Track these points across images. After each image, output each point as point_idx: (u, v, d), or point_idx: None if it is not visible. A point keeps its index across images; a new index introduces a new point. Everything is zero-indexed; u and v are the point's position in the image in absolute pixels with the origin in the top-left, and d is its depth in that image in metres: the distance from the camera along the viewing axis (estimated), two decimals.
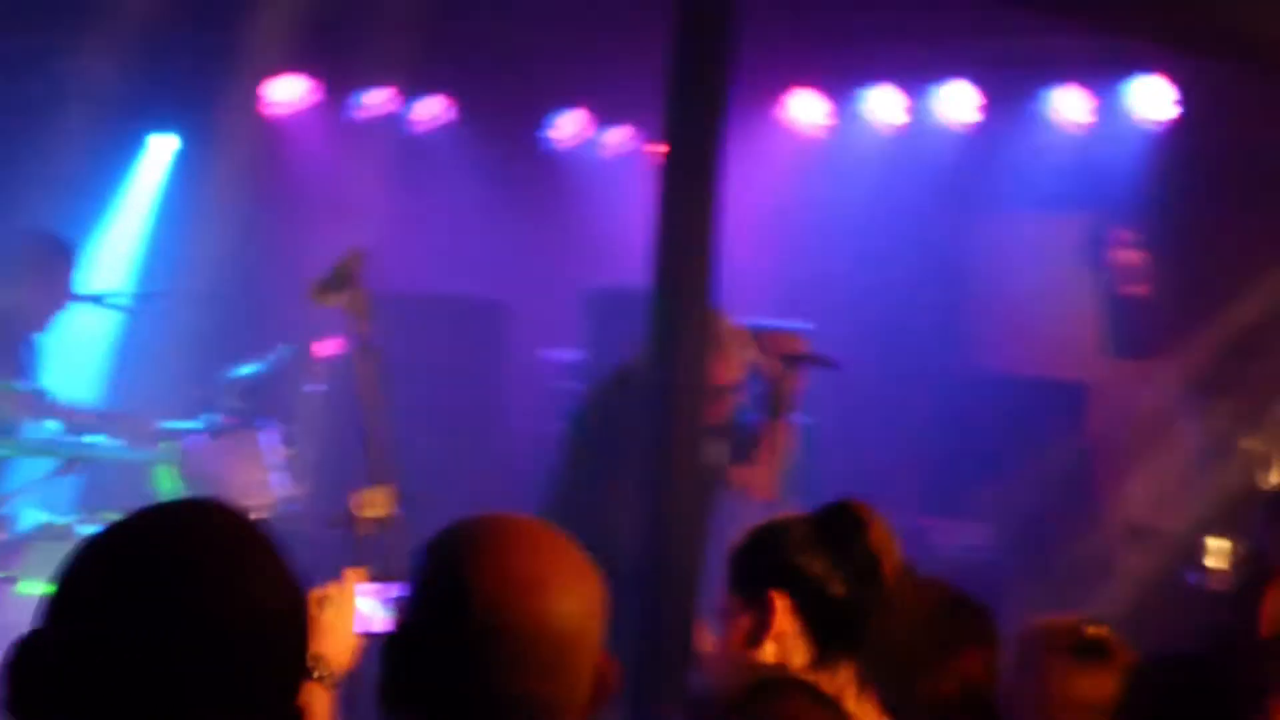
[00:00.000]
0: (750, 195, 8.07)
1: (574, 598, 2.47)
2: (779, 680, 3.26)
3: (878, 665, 3.34)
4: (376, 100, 9.15)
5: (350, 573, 3.57)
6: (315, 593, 3.42)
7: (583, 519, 4.42)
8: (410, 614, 2.49)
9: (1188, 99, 8.62)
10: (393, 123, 9.28)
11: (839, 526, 3.40)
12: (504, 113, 9.38)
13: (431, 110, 9.43)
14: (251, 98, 8.74)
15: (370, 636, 3.45)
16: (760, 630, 3.34)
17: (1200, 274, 8.87)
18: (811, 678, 3.28)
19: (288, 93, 9.01)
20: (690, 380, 5.19)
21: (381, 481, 5.06)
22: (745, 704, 3.24)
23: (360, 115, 9.16)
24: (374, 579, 3.61)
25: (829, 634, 3.34)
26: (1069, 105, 8.91)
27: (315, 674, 3.29)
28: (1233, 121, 8.42)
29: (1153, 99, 8.71)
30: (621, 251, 6.68)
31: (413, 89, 9.24)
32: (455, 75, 9.12)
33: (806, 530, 3.41)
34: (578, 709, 2.49)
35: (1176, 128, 8.67)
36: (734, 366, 6.26)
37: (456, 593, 2.44)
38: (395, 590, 3.18)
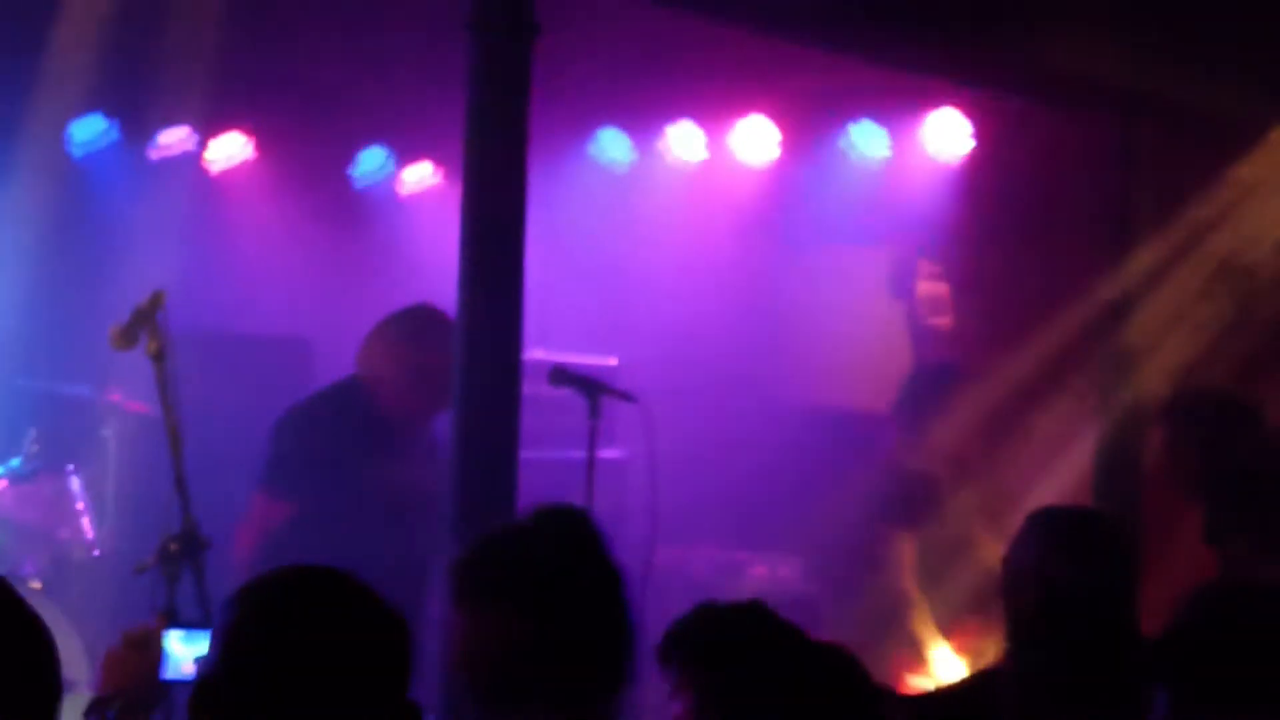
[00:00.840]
0: (558, 231, 8.09)
1: (372, 646, 2.47)
2: None
3: None
4: (174, 139, 9.04)
5: (160, 617, 3.53)
6: (126, 634, 3.39)
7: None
8: (215, 662, 2.47)
9: (982, 133, 8.76)
10: (192, 161, 9.17)
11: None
12: (305, 150, 9.31)
13: (231, 148, 9.34)
14: (57, 138, 8.61)
15: (178, 682, 3.41)
16: None
17: (999, 304, 9.01)
18: None
19: (88, 132, 8.88)
20: (500, 413, 5.18)
21: (188, 524, 5.01)
22: None
23: (158, 155, 9.04)
24: (183, 624, 3.57)
25: None
26: (867, 140, 9.02)
27: (118, 714, 3.25)
28: (1025, 154, 8.57)
29: (948, 133, 8.85)
30: (428, 288, 6.66)
31: (211, 127, 9.14)
32: (254, 113, 9.04)
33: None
34: None
35: (972, 161, 8.81)
36: None
37: (258, 644, 2.43)
38: (205, 636, 3.14)
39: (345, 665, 2.45)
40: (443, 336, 6.48)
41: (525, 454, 5.37)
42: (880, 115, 8.96)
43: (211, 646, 2.49)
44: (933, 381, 7.91)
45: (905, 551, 7.59)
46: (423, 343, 6.65)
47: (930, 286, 9.50)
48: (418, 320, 6.77)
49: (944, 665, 7.25)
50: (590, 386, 6.20)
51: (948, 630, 7.38)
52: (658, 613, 6.61)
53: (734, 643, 3.57)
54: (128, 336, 5.16)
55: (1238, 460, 6.62)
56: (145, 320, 5.15)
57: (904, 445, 7.83)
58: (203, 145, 9.23)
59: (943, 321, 9.46)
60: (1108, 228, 7.94)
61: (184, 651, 3.50)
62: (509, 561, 3.49)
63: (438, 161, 9.61)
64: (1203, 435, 6.81)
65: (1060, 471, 8.23)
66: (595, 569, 3.54)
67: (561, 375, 6.22)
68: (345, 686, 2.44)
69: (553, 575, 3.46)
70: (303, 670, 2.43)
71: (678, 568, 7.67)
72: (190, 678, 3.02)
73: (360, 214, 9.64)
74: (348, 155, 9.69)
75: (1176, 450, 6.94)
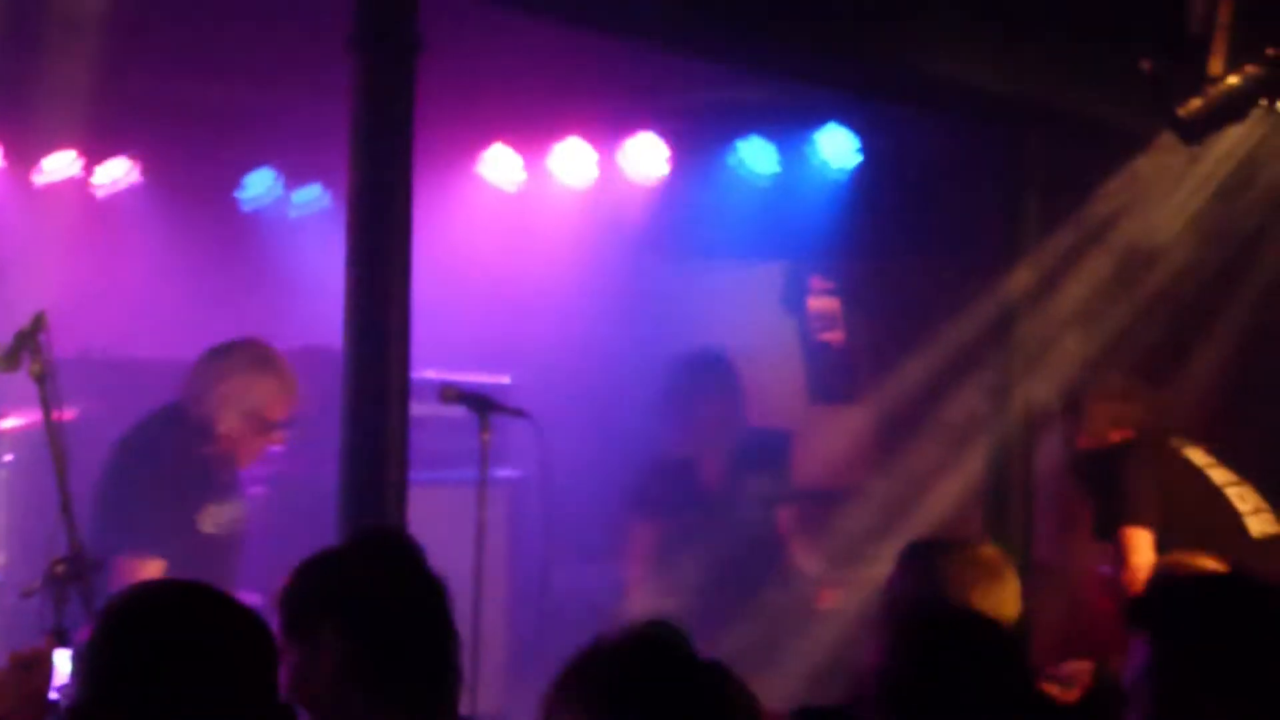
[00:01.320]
0: (448, 250, 8.07)
1: (238, 650, 2.46)
2: None
3: None
4: (59, 164, 8.95)
5: (49, 638, 3.52)
6: (14, 655, 3.37)
7: None
8: (79, 683, 2.46)
9: (870, 146, 8.81)
10: (77, 186, 9.08)
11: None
12: (193, 173, 9.24)
13: (116, 172, 9.25)
14: None
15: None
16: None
17: (891, 318, 9.06)
18: None
19: None
20: (389, 434, 5.16)
21: (75, 546, 4.97)
22: None
23: (43, 179, 8.95)
24: (72, 645, 3.56)
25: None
26: (756, 156, 9.05)
27: None
28: (914, 166, 8.63)
29: (837, 148, 8.89)
30: (318, 311, 6.62)
31: (97, 151, 9.06)
32: (141, 136, 8.97)
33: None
34: None
35: (861, 175, 8.86)
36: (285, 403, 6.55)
37: (126, 657, 2.42)
38: None
39: (212, 670, 2.43)
40: (272, 376, 6.51)
41: (416, 475, 5.36)
42: (769, 131, 8.99)
43: (74, 669, 2.47)
44: (693, 371, 7.94)
45: (639, 541, 7.66)
46: (249, 382, 6.61)
47: (822, 301, 9.55)
48: (248, 358, 6.71)
49: None
50: (481, 404, 6.19)
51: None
52: (554, 628, 6.64)
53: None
54: (10, 358, 5.13)
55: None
56: (27, 341, 5.11)
57: (671, 437, 7.88)
58: (89, 170, 9.15)
59: (834, 336, 9.51)
60: (998, 237, 8.00)
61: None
62: (326, 585, 3.52)
63: (327, 183, 9.57)
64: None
65: (954, 477, 8.29)
66: (413, 584, 3.56)
67: (452, 393, 6.21)
68: (214, 691, 2.43)
69: (370, 594, 3.48)
70: (168, 678, 2.41)
71: (574, 584, 7.66)
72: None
73: (248, 237, 9.57)
74: (235, 178, 9.63)
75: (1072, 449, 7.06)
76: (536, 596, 6.47)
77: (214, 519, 6.59)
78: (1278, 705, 3.09)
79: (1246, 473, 6.92)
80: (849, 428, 9.42)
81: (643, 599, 7.38)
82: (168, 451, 6.55)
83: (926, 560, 4.83)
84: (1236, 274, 7.89)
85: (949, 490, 8.27)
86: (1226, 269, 7.87)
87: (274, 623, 3.58)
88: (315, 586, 3.53)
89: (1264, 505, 6.72)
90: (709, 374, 7.90)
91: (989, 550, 4.94)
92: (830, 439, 9.39)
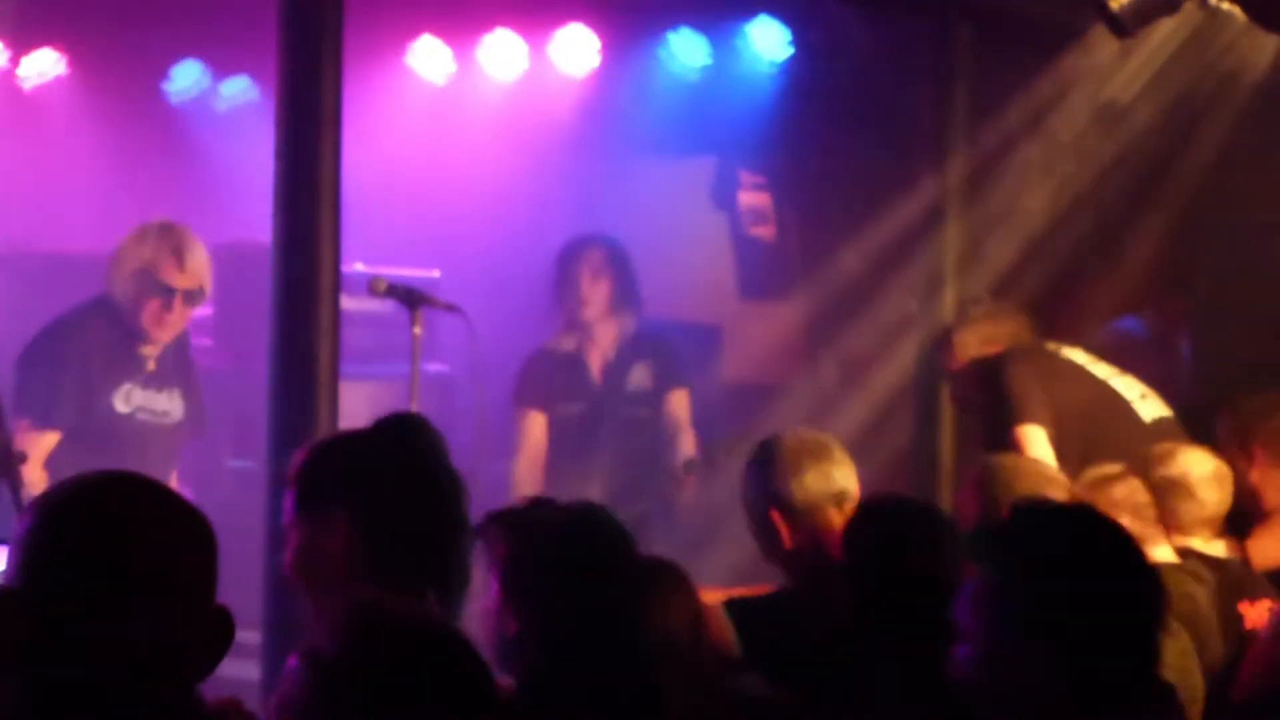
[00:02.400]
0: (377, 144, 8.01)
1: (179, 543, 2.45)
2: None
3: None
4: None
5: None
6: None
7: None
8: (14, 572, 2.44)
9: (801, 40, 8.78)
10: (3, 78, 8.98)
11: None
12: (120, 65, 9.13)
13: (43, 64, 9.14)
14: None
15: None
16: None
17: (822, 213, 9.06)
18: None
19: None
20: (319, 328, 5.14)
21: (1, 439, 4.96)
22: None
23: None
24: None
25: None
26: (686, 49, 9.00)
27: None
28: (844, 61, 8.60)
29: (768, 41, 8.85)
30: (246, 205, 6.59)
31: (23, 43, 8.95)
32: (68, 28, 8.86)
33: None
34: (195, 653, 2.46)
35: (791, 69, 8.82)
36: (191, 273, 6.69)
37: (59, 547, 2.40)
38: None
39: (152, 565, 2.42)
40: (167, 241, 6.54)
41: (346, 369, 5.34)
42: (699, 23, 8.94)
43: (9, 558, 2.45)
44: (567, 258, 7.94)
45: (531, 430, 7.69)
46: (144, 250, 6.67)
47: (752, 197, 9.54)
48: (145, 229, 6.83)
49: None
50: (412, 297, 6.16)
51: None
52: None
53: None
54: None
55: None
56: None
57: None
58: (15, 61, 9.04)
59: (765, 231, 9.50)
60: (929, 132, 8.00)
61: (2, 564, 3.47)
62: (342, 466, 3.50)
63: (255, 75, 9.47)
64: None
65: (885, 373, 8.33)
66: (430, 474, 3.54)
67: (382, 286, 6.19)
68: (153, 586, 2.42)
69: (385, 479, 3.46)
70: (106, 572, 2.40)
71: (504, 479, 7.68)
72: None
73: (176, 130, 9.48)
74: (163, 70, 9.52)
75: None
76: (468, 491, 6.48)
77: (131, 400, 6.60)
78: (1106, 648, 3.03)
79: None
80: (780, 323, 9.44)
81: (530, 489, 7.38)
82: (81, 330, 6.62)
83: (764, 452, 4.94)
84: (1166, 168, 7.92)
85: (879, 386, 8.31)
86: (1155, 161, 7.90)
87: (286, 496, 3.56)
88: (331, 465, 3.50)
89: (1149, 390, 6.73)
90: (585, 258, 7.87)
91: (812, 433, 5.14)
92: (761, 334, 9.41)
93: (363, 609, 2.83)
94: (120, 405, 6.58)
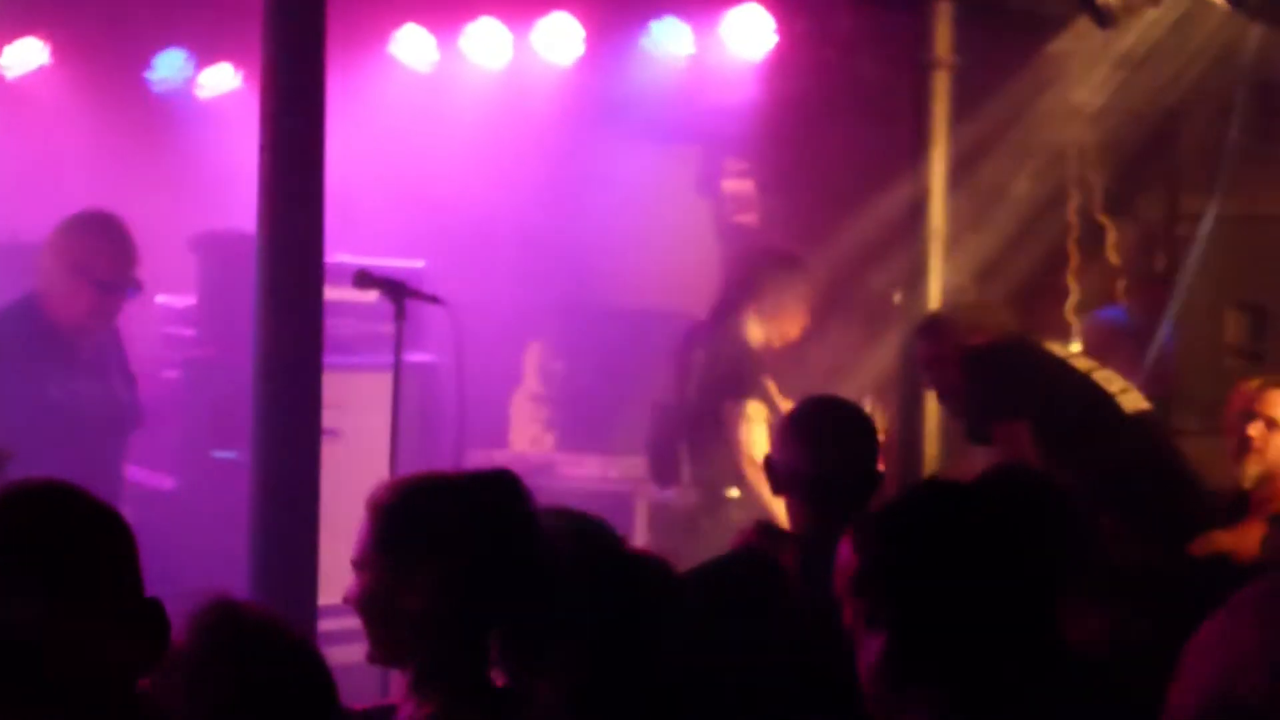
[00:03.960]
0: (361, 133, 8.00)
1: (97, 542, 2.47)
2: None
3: None
4: None
5: None
6: None
7: None
8: None
9: (784, 28, 8.77)
10: None
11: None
12: (103, 54, 9.11)
13: (26, 54, 9.12)
14: None
15: None
16: None
17: (806, 201, 9.07)
18: None
19: None
20: (302, 318, 5.13)
21: None
22: None
23: None
24: None
25: None
26: (670, 37, 9.00)
27: None
28: (828, 48, 8.61)
29: (751, 29, 8.85)
30: (229, 193, 6.57)
31: (7, 33, 8.93)
32: (50, 18, 8.84)
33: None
34: (129, 648, 2.48)
35: (775, 57, 8.83)
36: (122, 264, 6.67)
37: None
38: None
39: (71, 566, 2.44)
40: (98, 232, 6.52)
41: (330, 359, 5.34)
42: (683, 11, 8.94)
43: None
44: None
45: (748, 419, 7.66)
46: (73, 241, 6.65)
47: (736, 184, 9.55)
48: (75, 220, 6.79)
49: None
50: (395, 289, 6.15)
51: None
52: None
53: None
54: None
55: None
56: None
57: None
58: None
59: (748, 219, 9.51)
60: (911, 122, 8.00)
61: None
62: (439, 520, 3.39)
63: (238, 63, 9.45)
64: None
65: (868, 363, 8.33)
66: (524, 540, 3.43)
67: (366, 278, 6.18)
68: (75, 587, 2.44)
69: (480, 548, 3.37)
70: (24, 577, 2.42)
71: (488, 467, 7.66)
72: None
73: (159, 118, 9.46)
74: (145, 58, 9.50)
75: None
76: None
77: (65, 387, 6.57)
78: (968, 631, 2.96)
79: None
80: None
81: None
82: (10, 321, 6.56)
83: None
84: (1149, 158, 7.94)
85: (862, 375, 8.31)
86: (1140, 152, 7.92)
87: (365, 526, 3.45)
88: (424, 515, 3.39)
89: (1129, 385, 6.75)
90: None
91: None
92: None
93: (218, 608, 2.88)
94: (54, 392, 6.54)
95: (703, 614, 3.91)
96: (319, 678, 2.89)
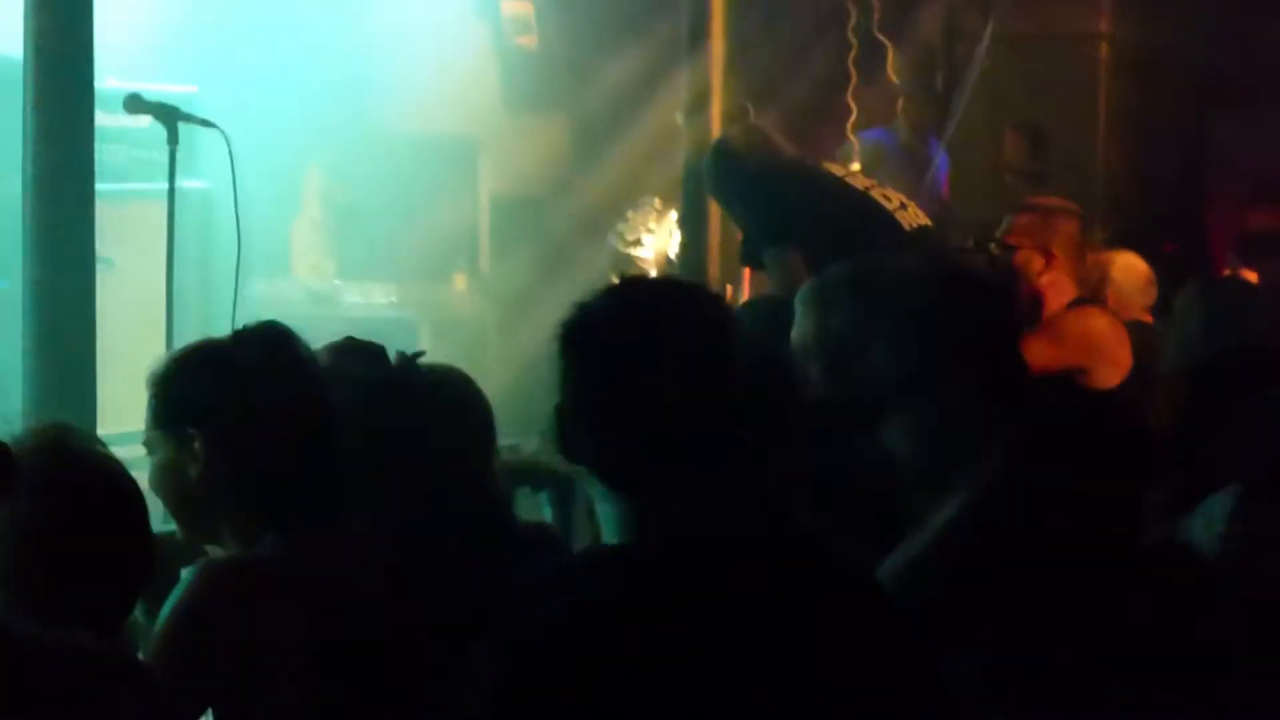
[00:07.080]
0: None
1: None
2: None
3: None
4: None
5: None
6: None
7: None
8: None
9: None
10: None
11: None
12: None
13: None
14: None
15: None
16: None
17: (586, 24, 9.02)
18: None
19: None
20: (73, 141, 5.02)
21: None
22: None
23: None
24: None
25: None
26: None
27: None
28: None
29: None
30: None
31: None
32: None
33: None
34: None
35: None
36: None
37: None
38: None
39: None
40: None
41: (104, 187, 5.22)
42: None
43: None
44: None
45: None
46: None
47: (515, 5, 9.46)
48: None
49: None
50: (167, 113, 6.02)
51: None
52: None
53: None
54: None
55: None
56: None
57: None
58: None
59: (528, 41, 9.43)
60: None
61: None
62: (203, 391, 3.33)
63: None
64: None
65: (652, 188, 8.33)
66: (302, 401, 3.38)
67: (137, 102, 6.04)
68: None
69: (251, 412, 3.31)
70: None
71: (271, 297, 7.60)
72: None
73: None
74: None
75: None
76: (230, 309, 6.38)
77: None
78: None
79: None
80: (544, 136, 9.41)
81: None
82: None
83: None
84: None
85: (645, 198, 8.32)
86: None
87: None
88: (190, 388, 3.35)
89: (907, 200, 6.74)
90: None
91: None
92: (524, 148, 9.38)
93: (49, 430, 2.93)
94: None
95: None
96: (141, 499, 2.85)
